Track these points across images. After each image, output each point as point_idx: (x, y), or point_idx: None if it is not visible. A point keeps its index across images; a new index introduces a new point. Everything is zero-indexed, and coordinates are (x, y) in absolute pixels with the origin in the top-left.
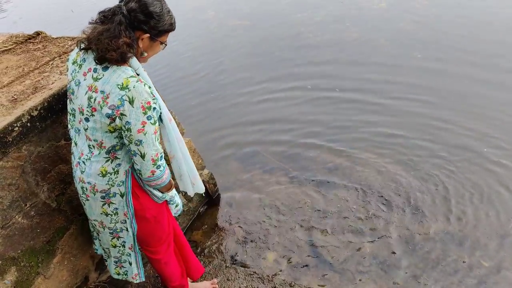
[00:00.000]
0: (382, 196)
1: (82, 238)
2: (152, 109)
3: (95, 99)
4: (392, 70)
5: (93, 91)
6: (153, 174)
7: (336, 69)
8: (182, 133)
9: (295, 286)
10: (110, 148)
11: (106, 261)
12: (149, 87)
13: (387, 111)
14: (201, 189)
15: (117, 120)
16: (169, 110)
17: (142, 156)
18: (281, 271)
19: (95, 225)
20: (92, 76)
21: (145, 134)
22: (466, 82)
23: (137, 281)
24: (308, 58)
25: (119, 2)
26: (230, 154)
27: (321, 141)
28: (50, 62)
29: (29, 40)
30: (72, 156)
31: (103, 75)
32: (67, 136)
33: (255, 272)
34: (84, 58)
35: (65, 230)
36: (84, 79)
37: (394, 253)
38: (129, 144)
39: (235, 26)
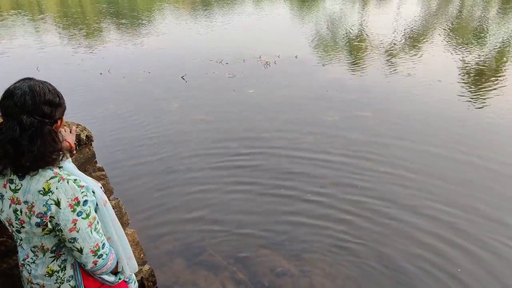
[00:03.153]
0: None
1: None
2: (82, 203)
3: (21, 211)
4: (346, 177)
5: (16, 203)
6: (96, 264)
7: (292, 175)
8: (127, 223)
9: None
10: (54, 248)
11: None
12: (75, 180)
13: (341, 221)
14: (135, 268)
15: (49, 224)
16: (116, 198)
17: (80, 251)
18: None
19: None
20: (10, 188)
21: (78, 231)
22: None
23: None
24: (262, 158)
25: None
26: (175, 249)
27: (271, 244)
28: None
29: None
30: (18, 253)
31: (21, 184)
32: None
33: None
34: None
35: None
36: (6, 192)
37: None
38: (64, 242)
39: (197, 120)
